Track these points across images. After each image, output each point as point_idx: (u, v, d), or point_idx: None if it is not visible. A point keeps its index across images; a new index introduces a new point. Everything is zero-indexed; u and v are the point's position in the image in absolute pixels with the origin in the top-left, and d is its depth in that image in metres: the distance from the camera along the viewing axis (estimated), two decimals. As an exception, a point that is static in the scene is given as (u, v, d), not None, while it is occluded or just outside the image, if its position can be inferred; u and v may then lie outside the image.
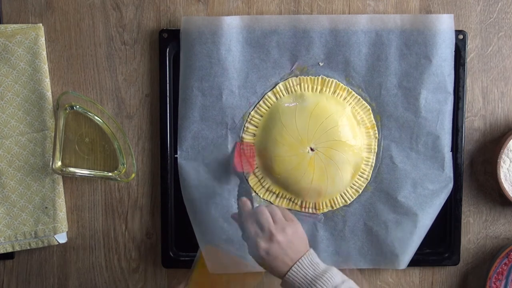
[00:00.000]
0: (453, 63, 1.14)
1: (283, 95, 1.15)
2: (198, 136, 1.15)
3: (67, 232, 1.17)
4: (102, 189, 1.18)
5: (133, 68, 1.17)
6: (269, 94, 1.15)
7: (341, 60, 1.14)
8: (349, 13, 1.16)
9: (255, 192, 1.16)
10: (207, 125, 1.14)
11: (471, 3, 1.17)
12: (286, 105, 1.15)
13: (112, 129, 1.15)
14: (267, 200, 1.17)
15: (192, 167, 1.15)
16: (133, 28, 1.16)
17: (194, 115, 1.14)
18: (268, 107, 1.15)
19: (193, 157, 1.15)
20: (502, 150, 1.15)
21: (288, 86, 1.15)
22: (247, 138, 1.15)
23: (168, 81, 1.15)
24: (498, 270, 1.18)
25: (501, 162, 1.15)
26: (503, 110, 1.19)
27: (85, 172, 1.15)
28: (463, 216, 1.20)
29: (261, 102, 1.15)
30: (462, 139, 1.17)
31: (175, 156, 1.16)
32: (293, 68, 1.15)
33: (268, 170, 1.15)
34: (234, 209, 1.15)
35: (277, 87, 1.15)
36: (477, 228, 1.21)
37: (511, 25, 1.18)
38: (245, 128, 1.15)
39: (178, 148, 1.15)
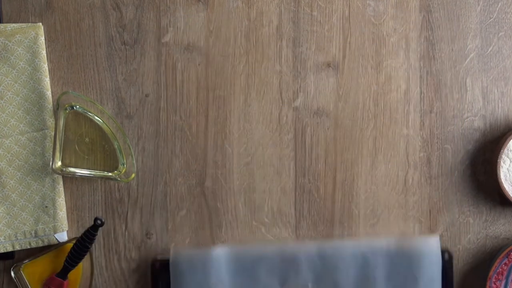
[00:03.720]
0: (440, 283, 1.15)
1: None
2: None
3: (67, 231, 1.17)
4: (102, 189, 1.18)
5: (133, 68, 1.17)
6: None
7: (330, 284, 1.15)
8: (349, 14, 1.15)
9: None
10: None
11: (471, 3, 1.17)
12: None
13: (112, 129, 1.15)
14: None
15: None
16: (133, 28, 1.16)
17: None
18: None
19: (193, 157, 1.15)
20: (502, 150, 1.15)
21: None
22: None
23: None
24: (498, 270, 1.18)
25: (501, 162, 1.15)
26: (503, 110, 1.19)
27: (85, 172, 1.15)
28: (463, 216, 1.19)
29: None
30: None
31: (175, 156, 1.16)
32: None
33: None
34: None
35: None
36: (477, 228, 1.21)
37: (511, 25, 1.18)
38: None
39: (178, 148, 1.15)
